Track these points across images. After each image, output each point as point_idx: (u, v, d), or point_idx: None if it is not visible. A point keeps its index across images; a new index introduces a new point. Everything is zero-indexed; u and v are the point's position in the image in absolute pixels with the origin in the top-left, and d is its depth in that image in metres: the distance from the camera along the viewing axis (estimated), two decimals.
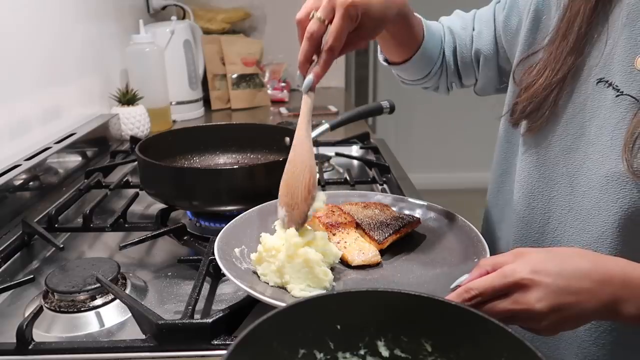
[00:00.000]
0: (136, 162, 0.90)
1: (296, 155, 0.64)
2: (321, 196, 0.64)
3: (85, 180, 1.05)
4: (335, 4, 0.60)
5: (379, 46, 0.86)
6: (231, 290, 0.70)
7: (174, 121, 1.65)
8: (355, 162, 1.24)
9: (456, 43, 0.85)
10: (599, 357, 0.64)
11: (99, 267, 0.69)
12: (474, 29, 0.83)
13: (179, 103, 1.71)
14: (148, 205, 0.99)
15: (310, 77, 0.63)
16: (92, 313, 0.63)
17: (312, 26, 0.61)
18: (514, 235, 0.73)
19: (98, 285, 0.65)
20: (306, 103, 0.65)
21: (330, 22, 0.61)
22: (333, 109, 1.81)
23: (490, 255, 0.63)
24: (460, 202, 2.07)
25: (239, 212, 0.76)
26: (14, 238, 0.81)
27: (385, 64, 0.88)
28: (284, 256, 0.60)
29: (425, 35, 0.81)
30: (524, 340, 0.37)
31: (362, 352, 0.43)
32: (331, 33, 0.61)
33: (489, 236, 0.79)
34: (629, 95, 0.58)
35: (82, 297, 0.64)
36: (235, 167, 0.93)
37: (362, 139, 1.33)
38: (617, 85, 0.60)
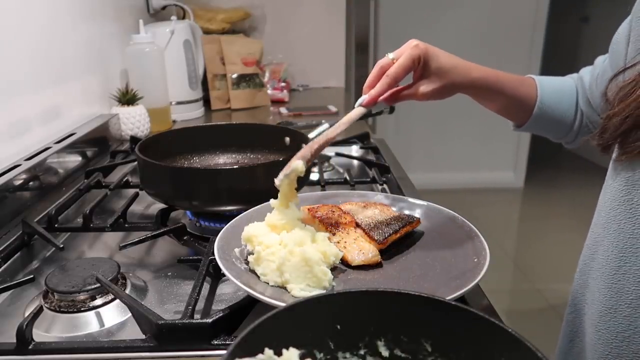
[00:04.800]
0: (136, 162, 0.90)
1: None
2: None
3: (85, 180, 1.05)
4: (407, 48, 0.73)
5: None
6: (231, 290, 0.70)
7: (174, 121, 1.66)
8: (355, 162, 1.24)
9: (586, 92, 0.82)
10: None
11: (99, 267, 0.69)
12: (599, 72, 0.79)
13: (179, 103, 1.71)
14: (148, 205, 0.99)
15: (365, 96, 0.73)
16: (92, 313, 0.63)
17: (382, 61, 0.73)
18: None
19: (98, 285, 0.65)
20: (353, 112, 0.74)
21: None
22: (333, 109, 1.82)
23: None
24: (460, 202, 2.07)
25: (239, 212, 0.76)
26: (14, 238, 0.81)
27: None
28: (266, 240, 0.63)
29: (540, 98, 0.82)
30: (524, 340, 0.37)
31: (362, 352, 0.43)
32: (394, 65, 0.72)
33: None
34: None
35: (82, 297, 0.64)
36: (235, 167, 0.92)
37: (362, 139, 1.33)
38: None
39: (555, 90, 0.84)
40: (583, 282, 0.68)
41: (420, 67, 0.74)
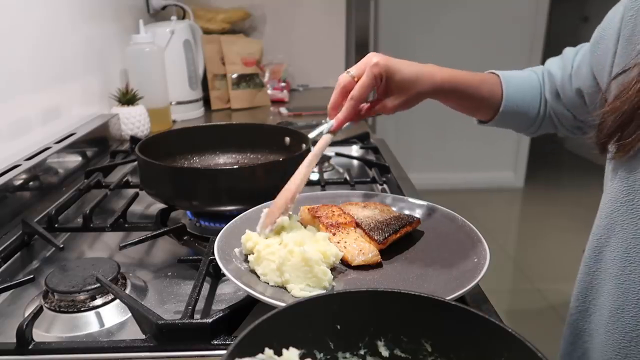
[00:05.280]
0: (136, 162, 0.90)
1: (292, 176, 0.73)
2: (293, 216, 0.72)
3: (85, 180, 1.05)
4: (367, 66, 0.73)
5: None
6: (231, 290, 0.70)
7: (174, 121, 1.65)
8: (355, 162, 1.24)
9: (556, 86, 0.82)
10: None
11: (99, 267, 0.69)
12: (572, 67, 0.78)
13: (179, 103, 1.71)
14: (148, 205, 0.99)
15: (332, 121, 0.75)
16: (92, 313, 0.63)
17: (343, 79, 0.75)
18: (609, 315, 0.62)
19: (98, 285, 0.65)
20: (322, 141, 0.75)
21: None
22: None
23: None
24: (460, 202, 2.07)
25: (239, 212, 0.76)
26: (14, 238, 0.81)
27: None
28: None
29: (506, 96, 0.82)
30: (524, 340, 0.37)
31: (362, 352, 0.43)
32: (356, 85, 0.73)
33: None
34: None
35: (82, 297, 0.64)
36: (235, 167, 0.93)
37: (362, 139, 1.33)
38: None
39: (520, 85, 0.84)
40: (587, 284, 0.67)
41: (383, 84, 0.75)
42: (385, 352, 0.43)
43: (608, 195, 0.64)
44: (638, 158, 0.58)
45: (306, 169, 0.73)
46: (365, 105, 0.78)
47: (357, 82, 0.74)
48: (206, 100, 1.85)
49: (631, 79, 0.57)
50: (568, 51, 0.82)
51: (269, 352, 0.36)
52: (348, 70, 0.75)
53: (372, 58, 0.73)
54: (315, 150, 0.74)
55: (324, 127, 0.75)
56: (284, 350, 0.36)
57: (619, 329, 0.61)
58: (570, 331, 0.72)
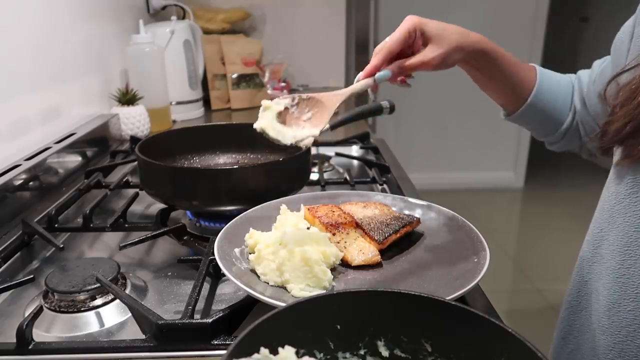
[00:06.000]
0: (136, 162, 0.90)
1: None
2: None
3: (85, 180, 1.05)
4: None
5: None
6: (231, 290, 0.70)
7: (174, 121, 1.65)
8: (355, 162, 1.24)
9: (583, 92, 0.80)
10: None
11: (99, 267, 0.69)
12: (596, 72, 0.78)
13: (179, 103, 1.71)
14: (148, 205, 0.99)
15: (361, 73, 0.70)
16: (92, 313, 0.63)
17: (378, 46, 0.70)
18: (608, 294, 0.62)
19: (98, 285, 0.65)
20: (355, 84, 0.70)
21: None
22: None
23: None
24: (460, 202, 2.07)
25: (239, 212, 0.76)
26: (14, 238, 0.81)
27: (503, 117, 0.87)
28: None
29: (539, 86, 0.79)
30: (525, 340, 0.37)
31: (362, 352, 0.43)
32: (389, 38, 0.70)
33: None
34: None
35: (82, 297, 0.64)
36: (235, 167, 0.92)
37: (362, 139, 1.33)
38: None
39: (554, 82, 0.82)
40: (581, 278, 0.67)
41: (419, 37, 0.71)
42: (385, 352, 0.43)
43: (611, 189, 0.63)
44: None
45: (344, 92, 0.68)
46: (405, 61, 0.71)
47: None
48: (206, 100, 1.85)
49: (633, 82, 0.56)
50: (596, 62, 0.81)
51: (264, 351, 0.36)
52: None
53: (407, 17, 0.72)
54: (347, 90, 0.68)
55: (357, 77, 0.71)
56: (280, 349, 0.36)
57: (615, 323, 0.60)
58: (563, 326, 0.72)
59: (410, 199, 0.83)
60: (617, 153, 0.60)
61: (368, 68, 0.69)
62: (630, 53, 0.64)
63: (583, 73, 0.83)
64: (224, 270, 0.61)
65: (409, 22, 0.70)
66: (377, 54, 0.69)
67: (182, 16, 1.93)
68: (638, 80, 0.56)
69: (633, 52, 0.63)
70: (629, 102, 0.56)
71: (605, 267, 0.62)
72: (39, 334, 0.60)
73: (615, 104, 0.58)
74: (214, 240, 0.68)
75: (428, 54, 0.71)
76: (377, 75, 0.69)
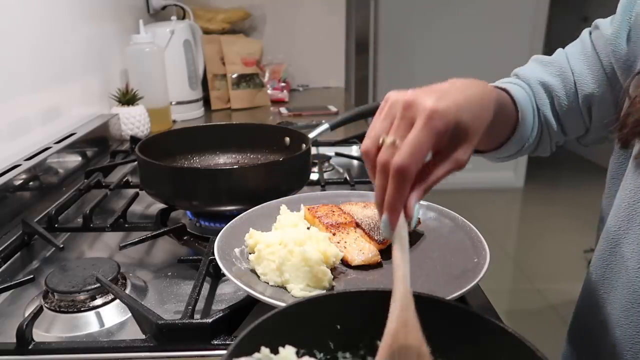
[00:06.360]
0: (136, 162, 0.90)
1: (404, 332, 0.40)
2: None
3: (85, 180, 1.05)
4: (415, 116, 0.45)
5: None
6: (231, 290, 0.70)
7: (174, 121, 1.65)
8: (355, 162, 1.24)
9: (553, 97, 0.71)
10: None
11: (99, 267, 0.69)
12: (573, 73, 0.69)
13: (179, 103, 1.71)
14: (148, 205, 0.99)
15: (385, 216, 0.47)
16: (92, 313, 0.63)
17: (383, 155, 0.47)
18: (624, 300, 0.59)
19: (98, 285, 0.65)
20: (397, 250, 0.45)
21: None
22: (333, 109, 1.82)
23: None
24: (460, 202, 2.07)
25: (239, 212, 0.76)
26: (14, 238, 0.81)
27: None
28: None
29: (519, 107, 0.67)
30: (524, 340, 0.37)
31: (362, 352, 0.43)
32: (403, 146, 0.45)
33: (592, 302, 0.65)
34: None
35: (82, 297, 0.64)
36: (235, 167, 0.93)
37: (362, 139, 1.33)
38: None
39: (521, 98, 0.70)
40: (599, 277, 0.64)
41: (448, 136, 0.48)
42: None
43: (629, 186, 0.60)
44: None
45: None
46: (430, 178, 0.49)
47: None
48: (206, 100, 1.85)
49: None
50: (546, 59, 0.73)
51: (265, 350, 0.36)
52: (377, 138, 0.49)
53: (420, 101, 0.46)
54: (398, 270, 0.44)
55: (383, 227, 0.47)
56: (280, 349, 0.36)
57: (634, 323, 0.58)
58: (577, 327, 0.69)
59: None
60: (636, 147, 0.57)
61: (389, 210, 0.47)
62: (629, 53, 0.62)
63: (539, 74, 0.73)
64: (224, 270, 0.61)
65: (439, 121, 0.45)
66: (393, 183, 0.45)
67: (182, 16, 1.94)
68: None
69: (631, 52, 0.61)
70: None
71: (623, 267, 0.60)
72: (39, 334, 0.60)
73: (636, 96, 0.55)
74: (214, 240, 0.68)
75: (461, 155, 0.49)
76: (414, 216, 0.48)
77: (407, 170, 0.44)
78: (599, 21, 0.69)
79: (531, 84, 0.72)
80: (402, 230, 0.45)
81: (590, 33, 0.71)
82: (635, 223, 0.59)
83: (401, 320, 0.39)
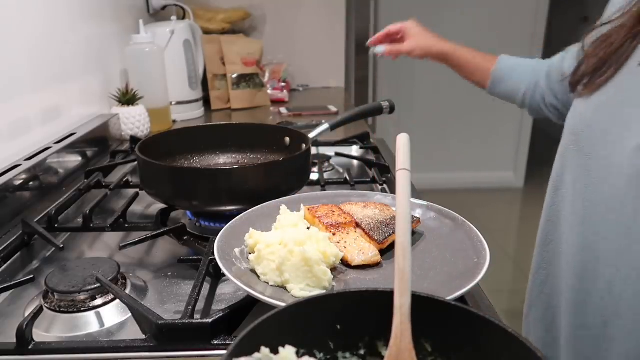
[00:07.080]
0: (136, 162, 0.90)
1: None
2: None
3: (85, 180, 1.05)
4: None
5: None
6: (231, 290, 0.70)
7: (174, 121, 1.66)
8: (355, 162, 1.24)
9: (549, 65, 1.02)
10: None
11: (99, 267, 0.69)
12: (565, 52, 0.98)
13: (179, 103, 1.71)
14: (148, 205, 0.99)
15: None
16: (92, 313, 0.63)
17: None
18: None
19: (98, 285, 0.65)
20: (396, 279, 0.42)
21: None
22: (333, 109, 1.82)
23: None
24: (460, 202, 2.07)
25: (239, 212, 0.76)
26: (14, 238, 0.81)
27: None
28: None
29: (492, 74, 1.11)
30: (525, 340, 0.37)
31: (362, 352, 0.43)
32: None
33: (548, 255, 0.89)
34: None
35: (82, 297, 0.64)
36: (235, 167, 0.93)
37: (362, 139, 1.33)
38: None
39: (509, 67, 1.10)
40: (549, 208, 0.84)
41: (407, 34, 1.18)
42: (385, 352, 0.43)
43: (564, 135, 0.78)
44: (596, 94, 0.72)
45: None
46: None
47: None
48: (206, 100, 1.85)
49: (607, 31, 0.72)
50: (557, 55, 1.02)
51: (265, 350, 0.36)
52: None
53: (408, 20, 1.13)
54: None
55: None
56: (280, 349, 0.36)
57: (579, 242, 0.73)
58: (535, 260, 0.95)
59: (411, 199, 0.83)
60: (580, 87, 0.75)
61: (379, 36, 1.20)
62: (607, 10, 0.78)
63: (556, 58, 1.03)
64: (224, 270, 0.61)
65: (407, 23, 1.16)
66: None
67: (182, 16, 1.94)
68: (609, 31, 0.71)
69: (610, 10, 0.76)
70: (601, 43, 0.72)
71: (569, 193, 0.76)
72: (39, 334, 0.60)
73: (588, 49, 0.75)
74: (214, 240, 0.68)
75: (405, 44, 1.17)
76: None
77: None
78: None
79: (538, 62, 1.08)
80: (406, 265, 0.43)
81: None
82: (567, 166, 0.77)
83: (392, 352, 0.40)
